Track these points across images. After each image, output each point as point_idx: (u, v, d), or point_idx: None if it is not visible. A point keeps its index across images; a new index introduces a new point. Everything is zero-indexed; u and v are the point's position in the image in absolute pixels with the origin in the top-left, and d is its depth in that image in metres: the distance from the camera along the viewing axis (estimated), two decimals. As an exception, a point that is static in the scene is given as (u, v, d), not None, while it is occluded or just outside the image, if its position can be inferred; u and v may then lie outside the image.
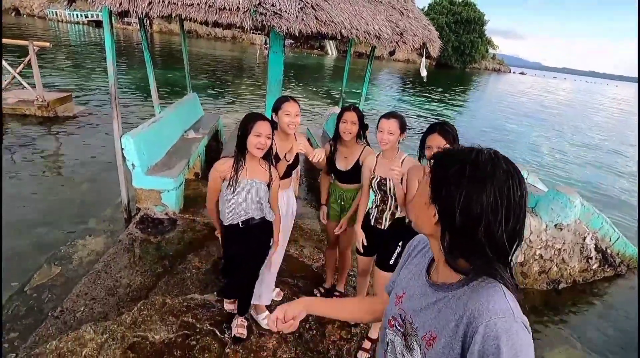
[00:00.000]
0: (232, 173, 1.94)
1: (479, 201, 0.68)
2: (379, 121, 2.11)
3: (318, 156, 2.17)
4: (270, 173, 2.05)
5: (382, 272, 2.21)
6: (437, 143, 1.85)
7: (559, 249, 3.77)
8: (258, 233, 2.13)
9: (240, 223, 2.05)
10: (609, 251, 4.04)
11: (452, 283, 0.78)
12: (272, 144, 1.98)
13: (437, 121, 1.94)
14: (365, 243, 2.31)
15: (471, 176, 0.69)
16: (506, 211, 0.68)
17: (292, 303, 1.06)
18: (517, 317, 0.68)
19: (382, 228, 2.26)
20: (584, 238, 3.86)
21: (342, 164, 2.41)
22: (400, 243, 2.13)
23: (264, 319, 2.45)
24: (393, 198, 2.19)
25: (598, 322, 3.53)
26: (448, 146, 1.84)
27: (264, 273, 2.37)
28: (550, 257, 3.76)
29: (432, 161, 0.80)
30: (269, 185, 2.05)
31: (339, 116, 2.29)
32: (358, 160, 2.33)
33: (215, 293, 2.68)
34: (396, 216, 2.22)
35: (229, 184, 1.96)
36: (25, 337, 2.26)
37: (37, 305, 2.60)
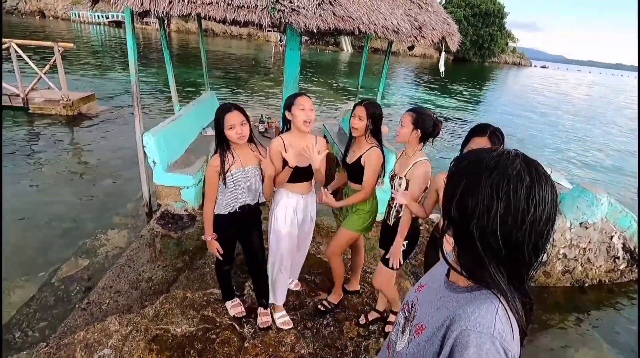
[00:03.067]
0: (222, 166, 1.99)
1: (474, 195, 0.68)
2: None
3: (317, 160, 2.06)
4: (258, 153, 2.11)
5: (382, 268, 2.24)
6: (483, 146, 1.67)
7: (584, 248, 3.64)
8: (249, 215, 2.19)
9: (237, 209, 2.11)
10: (637, 250, 3.88)
11: (459, 285, 0.79)
12: (250, 128, 2.01)
13: (482, 123, 1.76)
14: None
15: (472, 171, 0.70)
16: (504, 210, 0.65)
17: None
18: (496, 337, 0.65)
19: (390, 223, 2.26)
20: (611, 237, 3.72)
21: (349, 158, 2.34)
22: (405, 243, 2.11)
23: (280, 318, 2.47)
24: None
25: (626, 324, 3.40)
26: None
27: (276, 275, 2.37)
28: (575, 256, 3.64)
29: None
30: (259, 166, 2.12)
31: (352, 110, 2.25)
32: (360, 157, 2.22)
33: (221, 298, 2.61)
34: (400, 215, 2.17)
35: (224, 177, 2.00)
36: (55, 326, 2.36)
37: (65, 296, 2.71)
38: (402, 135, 2.04)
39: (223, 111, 1.95)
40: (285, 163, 2.06)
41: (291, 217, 2.24)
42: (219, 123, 1.96)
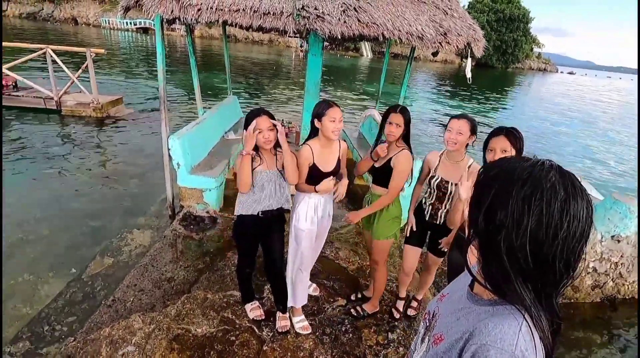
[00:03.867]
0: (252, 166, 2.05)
1: (504, 207, 0.64)
2: (448, 121, 2.09)
3: (339, 194, 2.26)
4: (278, 157, 2.17)
5: (434, 257, 2.45)
6: (502, 146, 1.79)
7: (616, 263, 3.47)
8: (274, 221, 2.24)
9: (260, 213, 2.14)
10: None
11: (482, 297, 0.76)
12: (277, 134, 2.04)
13: (503, 126, 1.89)
14: (415, 229, 2.37)
15: (503, 181, 0.66)
16: (536, 224, 0.62)
17: None
18: (517, 356, 0.62)
19: (438, 223, 2.29)
20: (645, 252, 3.53)
21: (377, 162, 2.35)
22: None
23: (299, 323, 2.46)
24: (450, 200, 2.17)
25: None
26: (513, 151, 1.76)
27: (296, 275, 2.38)
28: (606, 271, 3.48)
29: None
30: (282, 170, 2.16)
31: (385, 116, 2.24)
32: (390, 160, 2.24)
33: (241, 300, 2.64)
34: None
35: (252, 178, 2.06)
36: (82, 321, 2.44)
37: (92, 293, 2.81)
38: (460, 143, 2.04)
39: (253, 114, 2.01)
40: (311, 170, 2.17)
41: (312, 215, 2.29)
42: (248, 124, 2.00)
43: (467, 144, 2.09)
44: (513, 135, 1.77)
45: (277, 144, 2.11)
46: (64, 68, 7.31)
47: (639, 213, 3.28)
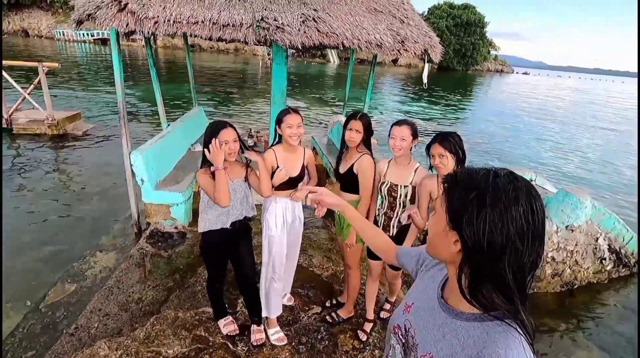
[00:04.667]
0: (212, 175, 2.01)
1: (504, 229, 0.64)
2: (391, 128, 2.16)
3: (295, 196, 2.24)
4: (245, 167, 2.20)
5: (392, 271, 2.47)
6: (439, 151, 1.94)
7: (571, 251, 3.71)
8: (242, 231, 2.24)
9: (229, 226, 2.12)
10: (622, 251, 3.97)
11: (463, 311, 0.75)
12: (240, 145, 2.07)
13: (443, 131, 2.04)
14: None
15: (494, 202, 0.65)
16: (532, 235, 0.65)
17: (333, 196, 1.25)
18: None
19: (391, 234, 2.29)
20: (597, 239, 3.80)
21: (342, 168, 2.40)
22: None
23: (274, 334, 2.44)
24: (401, 205, 2.22)
25: (616, 325, 3.45)
26: (449, 155, 1.90)
27: (269, 284, 2.38)
28: (563, 259, 3.71)
29: (446, 185, 0.75)
30: (246, 178, 2.18)
31: (345, 124, 2.30)
32: (353, 165, 2.29)
33: (213, 316, 2.57)
34: (403, 224, 2.25)
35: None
36: (42, 355, 2.29)
37: (51, 323, 2.63)
38: (404, 148, 2.14)
39: (218, 126, 2.00)
40: (274, 174, 2.19)
41: (281, 220, 2.31)
42: (210, 139, 1.98)
43: (412, 148, 2.20)
44: (447, 141, 1.93)
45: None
46: (14, 83, 6.89)
47: (639, 224, 3.51)
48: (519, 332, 0.67)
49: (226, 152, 2.00)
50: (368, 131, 2.27)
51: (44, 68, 6.87)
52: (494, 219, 0.65)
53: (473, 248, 0.68)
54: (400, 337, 0.88)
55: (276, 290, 2.40)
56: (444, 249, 0.75)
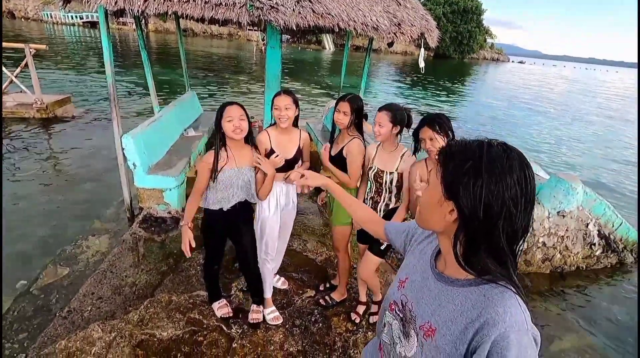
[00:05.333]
0: (214, 163, 1.98)
1: (500, 196, 0.67)
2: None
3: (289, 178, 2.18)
4: (246, 151, 2.12)
5: (372, 256, 2.29)
6: (428, 134, 1.90)
7: (562, 236, 3.77)
8: (242, 211, 2.19)
9: (224, 208, 2.10)
10: (612, 237, 4.03)
11: (458, 278, 0.77)
12: (249, 127, 2.01)
13: (429, 113, 1.98)
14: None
15: (489, 170, 0.68)
16: (525, 201, 0.69)
17: (318, 176, 1.37)
18: (529, 330, 0.68)
19: None
20: (587, 225, 3.86)
21: (333, 150, 2.40)
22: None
23: (270, 314, 2.47)
24: (388, 190, 2.22)
25: (606, 308, 3.53)
26: (439, 137, 1.87)
27: (262, 263, 2.39)
28: (554, 244, 3.76)
29: (441, 157, 0.76)
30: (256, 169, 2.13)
31: (335, 106, 2.29)
32: (342, 149, 2.29)
33: (208, 300, 2.58)
34: (390, 208, 2.26)
35: (215, 174, 1.99)
36: (34, 337, 2.28)
37: (44, 305, 2.62)
38: (383, 134, 2.11)
39: (224, 104, 1.97)
40: (269, 156, 2.17)
41: (275, 203, 2.32)
42: (218, 117, 1.95)
43: (399, 134, 2.16)
44: (436, 122, 1.88)
45: (248, 141, 2.07)
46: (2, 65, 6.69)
47: (639, 221, 3.53)
48: (513, 291, 0.70)
49: (229, 129, 1.94)
50: (358, 114, 2.24)
51: (31, 50, 6.68)
52: (490, 187, 0.67)
53: (470, 216, 0.70)
54: (398, 312, 0.89)
55: (269, 270, 2.45)
56: (438, 220, 0.77)
